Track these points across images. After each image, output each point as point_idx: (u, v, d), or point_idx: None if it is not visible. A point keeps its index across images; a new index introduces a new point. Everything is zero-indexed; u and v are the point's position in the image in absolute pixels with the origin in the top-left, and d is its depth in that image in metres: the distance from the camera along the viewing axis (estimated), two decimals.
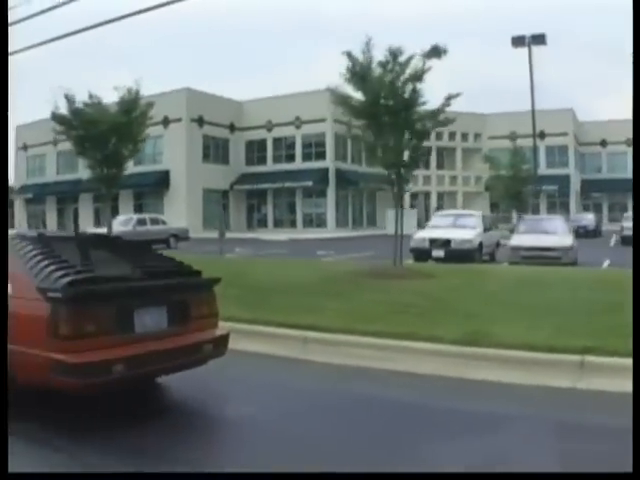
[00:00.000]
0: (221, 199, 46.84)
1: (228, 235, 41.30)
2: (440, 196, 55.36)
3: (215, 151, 46.77)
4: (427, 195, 55.40)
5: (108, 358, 4.71)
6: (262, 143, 47.94)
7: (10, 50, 14.55)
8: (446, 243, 17.99)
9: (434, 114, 13.26)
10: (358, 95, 13.19)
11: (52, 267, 5.04)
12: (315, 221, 45.79)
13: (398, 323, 8.19)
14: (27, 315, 4.86)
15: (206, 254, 21.48)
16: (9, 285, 4.98)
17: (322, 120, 44.25)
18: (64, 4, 13.98)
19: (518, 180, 38.54)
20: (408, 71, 12.70)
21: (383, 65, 12.56)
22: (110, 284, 5.13)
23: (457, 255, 17.62)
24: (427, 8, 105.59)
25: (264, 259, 18.53)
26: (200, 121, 44.52)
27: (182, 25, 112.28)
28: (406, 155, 13.29)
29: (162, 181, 43.64)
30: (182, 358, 5.38)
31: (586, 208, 56.21)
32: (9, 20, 13.00)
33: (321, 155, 45.53)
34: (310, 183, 43.81)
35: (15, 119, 58.05)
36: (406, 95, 12.77)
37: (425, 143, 49.35)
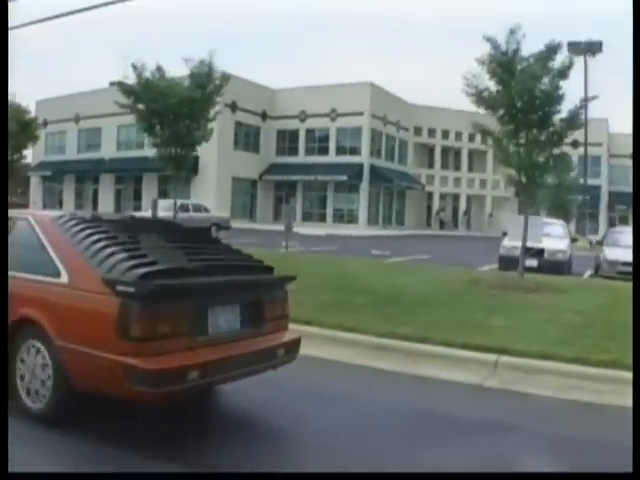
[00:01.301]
0: (250, 188, 45.41)
1: (255, 226, 40.02)
2: (469, 199, 53.90)
3: (246, 139, 45.26)
4: (456, 197, 53.98)
5: (185, 364, 4.13)
6: (294, 133, 46.45)
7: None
8: (539, 252, 16.55)
9: (572, 115, 11.86)
10: (491, 85, 11.79)
11: (119, 256, 4.39)
12: (346, 217, 44.41)
13: (590, 348, 7.15)
14: (89, 310, 4.25)
15: (266, 248, 20.05)
16: (64, 273, 4.44)
17: (360, 114, 42.88)
18: None
19: (563, 188, 37.24)
20: (556, 66, 11.33)
21: (538, 59, 11.20)
22: (184, 278, 4.47)
23: (549, 266, 16.31)
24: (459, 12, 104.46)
25: (342, 258, 17.13)
26: (233, 107, 42.84)
27: (208, 8, 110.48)
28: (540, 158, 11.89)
29: (191, 166, 41.97)
30: (255, 364, 4.83)
31: (612, 221, 54.92)
32: None
33: (356, 150, 44.09)
34: (345, 177, 42.45)
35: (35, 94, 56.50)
36: (549, 92, 11.37)
37: (457, 144, 47.99)
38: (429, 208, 53.31)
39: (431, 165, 53.20)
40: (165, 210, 24.92)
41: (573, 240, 18.59)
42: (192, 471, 4.00)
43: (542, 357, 6.87)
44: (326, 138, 45.34)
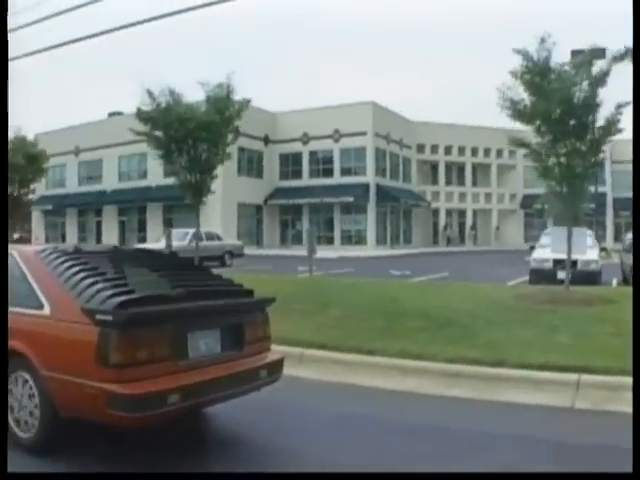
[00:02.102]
0: (255, 214, 45.04)
1: (263, 252, 39.60)
2: (475, 214, 53.58)
3: (249, 164, 44.86)
4: (462, 213, 53.65)
5: (163, 388, 4.26)
6: (297, 156, 46.13)
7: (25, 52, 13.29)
8: (572, 264, 16.15)
9: (611, 123, 11.54)
10: (526, 97, 11.52)
11: (98, 286, 4.59)
12: (354, 238, 43.98)
13: None
14: (70, 340, 4.41)
15: (287, 274, 19.63)
16: (46, 305, 4.62)
17: (363, 134, 42.67)
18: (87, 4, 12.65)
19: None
20: (593, 73, 11.06)
21: (576, 65, 10.95)
22: (163, 305, 4.63)
23: (583, 276, 15.89)
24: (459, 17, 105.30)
25: (371, 280, 16.62)
26: (236, 132, 42.51)
27: (205, 31, 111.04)
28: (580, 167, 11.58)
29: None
30: (238, 385, 4.95)
31: (617, 227, 54.70)
32: (16, 25, 11.81)
33: (360, 170, 43.81)
34: (351, 199, 42.05)
35: (34, 127, 56.29)
36: (587, 99, 11.08)
37: (461, 160, 48.09)
38: (435, 225, 52.96)
39: (435, 182, 52.96)
40: (178, 240, 24.53)
41: (601, 250, 18.21)
42: (192, 471, 4.05)
43: (623, 373, 6.47)
44: (330, 160, 44.98)
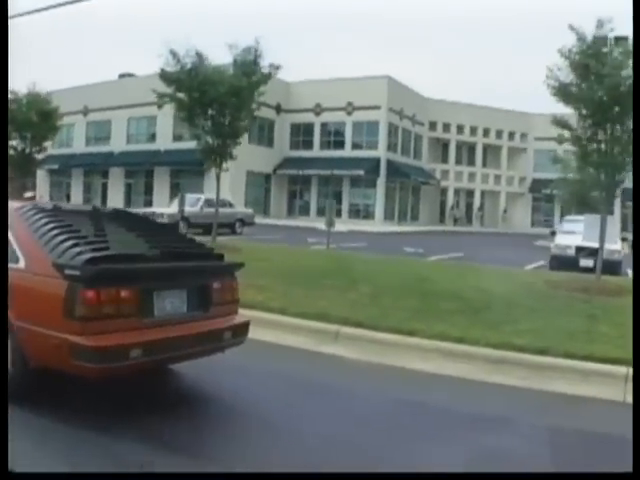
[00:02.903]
0: (264, 183, 44.64)
1: (270, 221, 39.35)
2: (483, 195, 53.22)
3: (260, 132, 44.25)
4: (470, 193, 53.27)
5: (126, 342, 4.45)
6: (309, 127, 45.66)
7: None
8: (595, 252, 15.93)
9: None
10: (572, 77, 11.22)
11: (69, 242, 4.76)
12: (362, 212, 43.73)
13: None
14: (41, 292, 4.64)
15: (300, 245, 19.44)
16: (21, 259, 4.79)
17: (377, 107, 42.12)
18: None
19: (586, 185, 36.58)
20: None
21: (625, 52, 10.68)
22: (131, 263, 4.84)
23: (606, 266, 15.59)
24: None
25: (389, 257, 16.41)
26: None
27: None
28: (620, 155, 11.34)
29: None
30: (201, 345, 5.11)
31: (624, 218, 54.37)
32: None
33: (372, 144, 43.32)
34: (362, 172, 41.68)
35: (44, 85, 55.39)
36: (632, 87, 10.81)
37: (472, 139, 47.34)
38: (442, 204, 52.64)
39: (445, 160, 52.51)
40: (190, 205, 24.26)
41: (623, 239, 17.98)
42: (192, 471, 4.00)
43: None
44: (341, 132, 44.58)
